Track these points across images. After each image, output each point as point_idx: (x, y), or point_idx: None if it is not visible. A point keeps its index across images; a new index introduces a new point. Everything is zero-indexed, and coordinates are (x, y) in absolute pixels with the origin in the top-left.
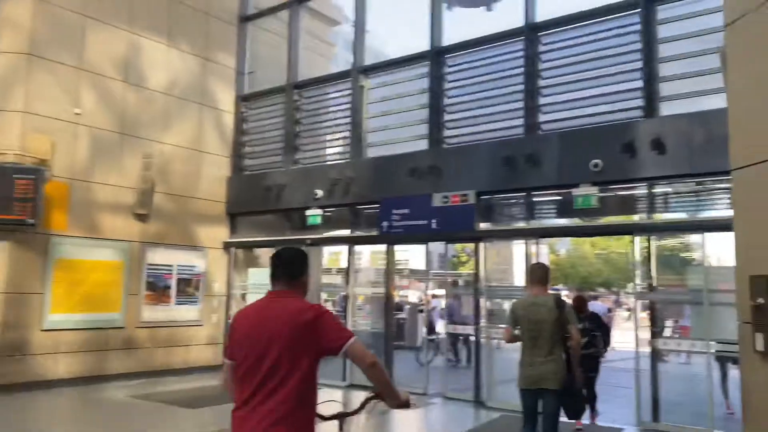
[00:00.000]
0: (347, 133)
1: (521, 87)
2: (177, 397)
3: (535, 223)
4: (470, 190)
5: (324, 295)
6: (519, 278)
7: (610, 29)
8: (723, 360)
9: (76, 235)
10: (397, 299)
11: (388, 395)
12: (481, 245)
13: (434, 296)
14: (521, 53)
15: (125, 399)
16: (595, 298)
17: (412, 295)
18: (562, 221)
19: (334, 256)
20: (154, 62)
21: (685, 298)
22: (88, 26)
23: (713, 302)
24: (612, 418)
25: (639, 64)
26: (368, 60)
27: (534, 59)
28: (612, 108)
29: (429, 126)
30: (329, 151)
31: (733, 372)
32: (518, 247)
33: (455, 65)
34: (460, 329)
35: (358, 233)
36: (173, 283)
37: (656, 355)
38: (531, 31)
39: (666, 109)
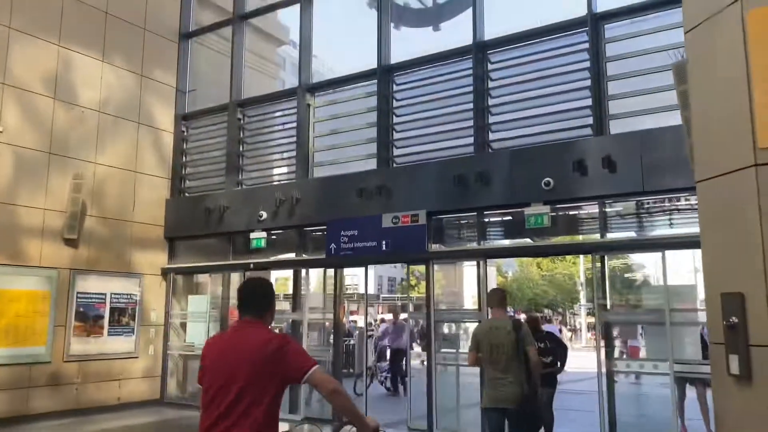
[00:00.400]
0: (293, 153)
1: (470, 105)
2: None
3: (488, 244)
4: (421, 210)
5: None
6: (470, 301)
7: (558, 47)
8: (681, 381)
9: None
10: (346, 325)
11: (355, 421)
12: (433, 267)
13: (383, 320)
14: (470, 71)
15: None
16: (548, 320)
17: (361, 321)
18: (516, 241)
19: (281, 281)
20: (87, 78)
21: (646, 318)
22: (12, 38)
23: (674, 322)
24: None
25: (587, 83)
26: (315, 78)
27: (483, 77)
28: (562, 126)
29: (377, 145)
30: (275, 171)
31: (691, 394)
32: (469, 269)
33: (404, 83)
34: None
35: (304, 256)
36: (106, 312)
37: (611, 377)
38: (479, 50)
39: (615, 127)
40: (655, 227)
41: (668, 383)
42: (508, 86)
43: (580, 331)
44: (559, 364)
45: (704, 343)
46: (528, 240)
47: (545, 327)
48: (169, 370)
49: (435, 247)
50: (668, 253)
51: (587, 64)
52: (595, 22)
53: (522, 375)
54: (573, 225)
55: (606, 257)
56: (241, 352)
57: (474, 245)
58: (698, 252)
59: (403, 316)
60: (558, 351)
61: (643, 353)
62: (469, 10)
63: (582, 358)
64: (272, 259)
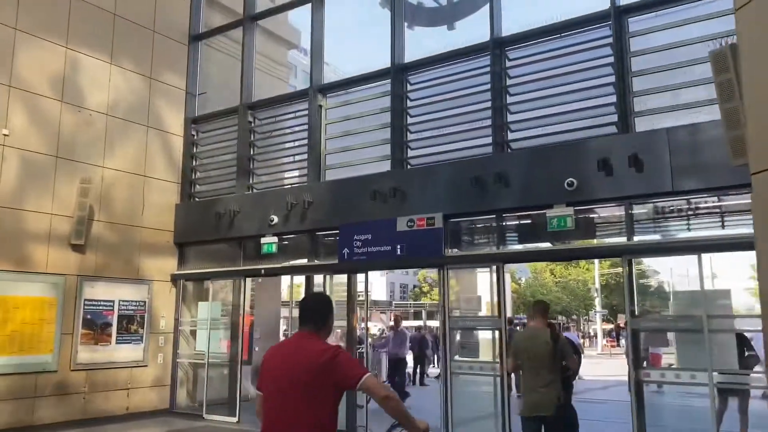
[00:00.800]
0: (304, 156)
1: (488, 104)
2: None
3: (507, 248)
4: (437, 213)
5: (283, 327)
6: (486, 307)
7: (580, 43)
8: (722, 393)
9: (2, 269)
10: (358, 332)
11: (406, 424)
12: (448, 272)
13: (391, 328)
14: (487, 69)
15: None
16: (566, 328)
17: (374, 328)
18: (538, 245)
19: (294, 288)
20: (95, 81)
21: (682, 325)
22: (19, 40)
23: (713, 329)
24: None
25: (611, 79)
26: (327, 78)
27: (501, 75)
28: (584, 124)
29: (391, 146)
30: (286, 174)
31: (732, 404)
32: (484, 274)
33: (418, 82)
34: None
35: (316, 262)
36: (114, 320)
37: (640, 386)
38: (497, 46)
39: (641, 125)
40: (686, 229)
41: (704, 394)
42: (528, 83)
43: (595, 338)
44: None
45: (741, 351)
46: (548, 244)
47: (565, 335)
48: (179, 378)
49: (452, 251)
50: (711, 255)
51: (611, 59)
52: (618, 16)
53: (558, 384)
54: (598, 227)
55: (633, 261)
56: (298, 362)
57: (493, 249)
58: (731, 255)
59: (416, 323)
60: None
61: (665, 361)
62: (485, 8)
63: (598, 366)
64: (284, 264)
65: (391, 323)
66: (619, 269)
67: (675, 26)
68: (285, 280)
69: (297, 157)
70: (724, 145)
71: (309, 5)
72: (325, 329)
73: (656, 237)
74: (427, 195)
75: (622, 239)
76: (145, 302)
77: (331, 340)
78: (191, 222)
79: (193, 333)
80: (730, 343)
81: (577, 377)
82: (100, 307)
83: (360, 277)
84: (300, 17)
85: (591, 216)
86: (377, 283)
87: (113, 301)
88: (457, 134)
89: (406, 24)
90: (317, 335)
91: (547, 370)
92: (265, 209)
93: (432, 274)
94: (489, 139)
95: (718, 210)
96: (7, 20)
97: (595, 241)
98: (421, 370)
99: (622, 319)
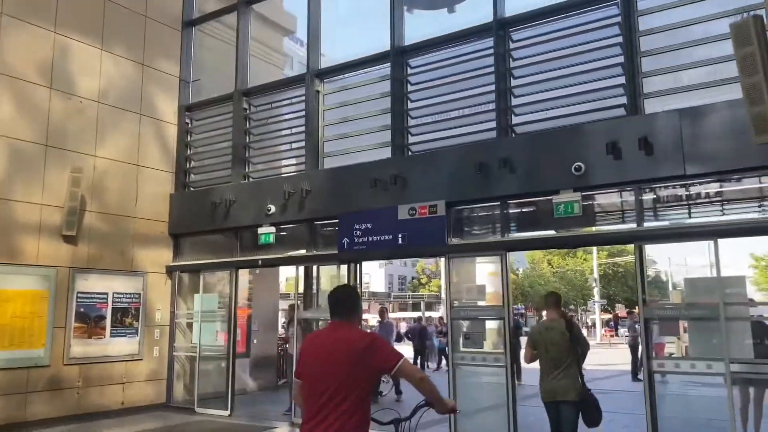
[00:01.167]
0: (302, 143)
1: (492, 87)
2: None
3: (512, 235)
4: (439, 201)
5: (282, 320)
6: (490, 296)
7: (586, 23)
8: (743, 383)
9: None
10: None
11: (437, 403)
12: (452, 261)
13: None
14: (491, 51)
15: None
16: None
17: (373, 320)
18: (545, 233)
19: (292, 281)
20: (85, 67)
21: (696, 313)
22: (5, 24)
23: (729, 317)
24: None
25: (620, 59)
26: (324, 63)
27: (505, 57)
28: (591, 107)
29: (392, 132)
30: (283, 162)
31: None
32: (486, 263)
33: (419, 66)
34: None
35: (315, 252)
36: (108, 312)
37: (652, 377)
38: (500, 27)
39: (650, 106)
40: (699, 214)
41: (714, 384)
42: (532, 65)
43: (594, 327)
44: None
45: (760, 339)
46: (555, 231)
47: None
48: (176, 372)
49: (455, 240)
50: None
51: (619, 39)
52: None
53: (575, 371)
54: (607, 213)
55: (643, 247)
56: (338, 348)
57: (497, 237)
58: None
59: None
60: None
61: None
62: None
63: (598, 356)
64: (282, 255)
65: (396, 315)
66: (617, 259)
67: (687, 2)
68: (283, 271)
69: (294, 145)
70: (740, 125)
71: None
72: (356, 318)
73: (667, 222)
74: (429, 182)
75: (632, 225)
76: (139, 294)
77: None
78: (186, 212)
79: (190, 326)
80: (745, 332)
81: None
82: (94, 300)
83: (363, 267)
84: (296, 4)
85: (599, 201)
86: (376, 275)
87: (107, 294)
88: (460, 119)
89: (405, 8)
90: (350, 323)
91: (563, 359)
92: (262, 198)
93: (431, 265)
94: (493, 124)
95: (733, 194)
96: None
97: (604, 227)
98: (421, 361)
99: (620, 309)
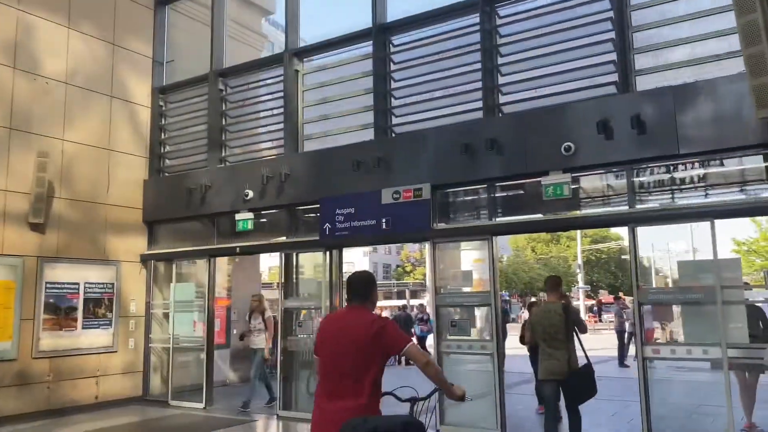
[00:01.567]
0: (280, 126)
1: (478, 65)
2: None
3: (500, 219)
4: (424, 184)
5: (268, 312)
6: (476, 282)
7: None
8: (739, 368)
9: None
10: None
11: (444, 389)
12: (437, 247)
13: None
14: (477, 27)
15: None
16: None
17: None
18: (533, 216)
19: (275, 270)
20: (51, 46)
21: (692, 297)
22: None
23: (726, 300)
24: None
25: (611, 35)
26: (303, 43)
27: (491, 33)
28: (581, 84)
29: (374, 113)
30: (261, 146)
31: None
32: (472, 249)
33: (402, 44)
34: None
35: (296, 239)
36: (80, 303)
37: (645, 363)
38: (486, 3)
39: (642, 83)
40: (695, 194)
41: (705, 369)
42: (520, 42)
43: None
44: None
45: (755, 323)
46: (543, 215)
47: None
48: (152, 364)
49: (440, 225)
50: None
51: (610, 13)
52: None
53: (571, 350)
54: (598, 195)
55: (637, 229)
56: (351, 330)
57: (485, 221)
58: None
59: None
60: None
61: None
62: None
63: (584, 342)
64: (261, 242)
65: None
66: (600, 245)
67: None
68: (265, 260)
69: (272, 127)
70: (736, 102)
71: None
72: (370, 302)
73: (662, 203)
74: (413, 165)
75: (625, 207)
76: (113, 284)
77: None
78: (161, 198)
79: (166, 316)
80: (741, 316)
81: None
82: (64, 290)
83: (345, 255)
84: None
85: (590, 183)
86: (361, 264)
87: (78, 284)
88: (445, 98)
89: None
90: (364, 307)
91: (560, 339)
92: (240, 183)
93: (415, 253)
94: (479, 104)
95: (731, 173)
96: None
97: (595, 210)
98: None
99: (604, 295)
